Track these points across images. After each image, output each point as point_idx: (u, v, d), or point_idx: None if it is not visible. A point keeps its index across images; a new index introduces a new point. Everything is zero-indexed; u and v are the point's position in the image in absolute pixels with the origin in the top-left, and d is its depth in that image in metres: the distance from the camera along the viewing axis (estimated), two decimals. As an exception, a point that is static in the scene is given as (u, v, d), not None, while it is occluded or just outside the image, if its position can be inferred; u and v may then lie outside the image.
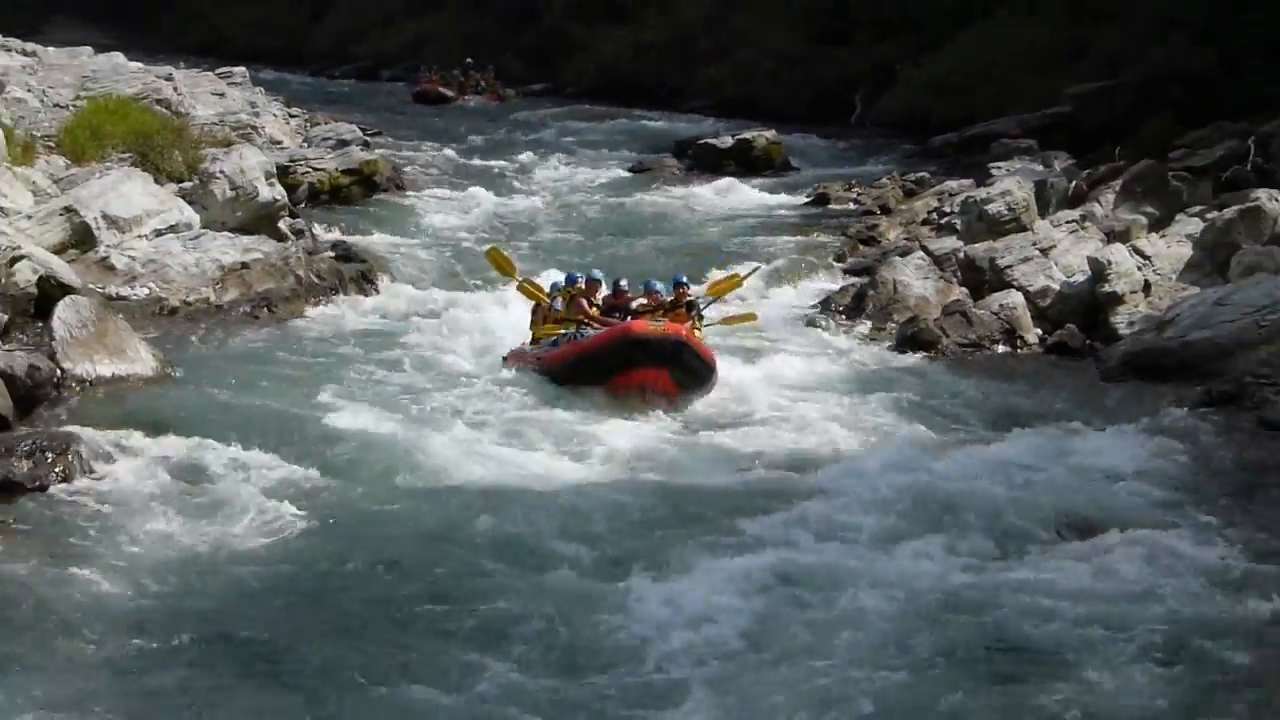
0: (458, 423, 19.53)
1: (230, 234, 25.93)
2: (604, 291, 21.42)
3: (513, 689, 12.18)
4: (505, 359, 21.62)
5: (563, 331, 19.56)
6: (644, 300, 20.79)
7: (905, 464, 18.32)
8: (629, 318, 20.02)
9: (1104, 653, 12.83)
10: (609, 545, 15.45)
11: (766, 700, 12.14)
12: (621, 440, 18.73)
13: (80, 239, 23.71)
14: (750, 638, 13.22)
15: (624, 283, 21.89)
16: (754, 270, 22.09)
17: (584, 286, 21.60)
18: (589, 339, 18.66)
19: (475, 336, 23.56)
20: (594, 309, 20.42)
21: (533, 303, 22.13)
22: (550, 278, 24.88)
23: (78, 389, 19.04)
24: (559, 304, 21.15)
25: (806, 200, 36.46)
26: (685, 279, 21.52)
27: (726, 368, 20.84)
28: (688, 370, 17.96)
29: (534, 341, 21.04)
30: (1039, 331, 24.71)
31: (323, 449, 17.86)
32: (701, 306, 20.09)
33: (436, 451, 18.18)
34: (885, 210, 33.80)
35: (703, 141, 44.05)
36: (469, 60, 59.95)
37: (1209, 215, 26.56)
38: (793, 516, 16.27)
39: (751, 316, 21.63)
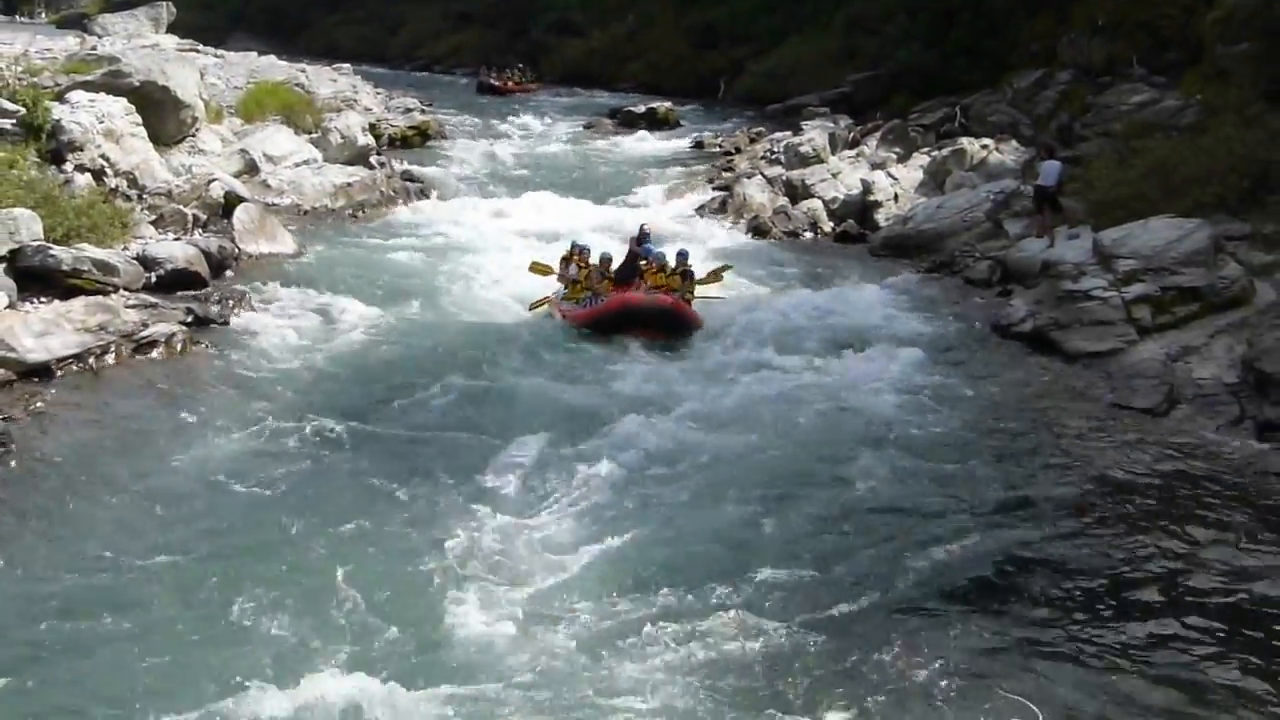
0: (478, 276, 19.44)
1: (340, 165, 25.59)
2: (592, 259, 17.71)
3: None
4: (537, 303, 18.04)
5: (589, 294, 16.98)
6: (643, 276, 17.35)
7: (752, 305, 18.29)
8: (639, 278, 17.25)
9: (857, 424, 12.91)
10: (574, 360, 15.44)
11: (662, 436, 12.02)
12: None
13: (250, 168, 23.37)
14: (663, 400, 13.36)
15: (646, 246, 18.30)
16: (730, 266, 18.99)
17: (576, 254, 17.70)
18: (602, 305, 16.59)
19: (487, 230, 23.04)
20: (607, 280, 17.40)
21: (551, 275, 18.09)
22: (540, 199, 24.78)
23: (248, 260, 18.63)
24: (573, 269, 17.55)
25: (690, 145, 35.94)
26: (688, 253, 17.97)
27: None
28: (670, 326, 16.38)
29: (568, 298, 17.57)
30: (831, 224, 24.52)
31: (394, 294, 17.83)
32: (695, 277, 17.35)
33: (460, 295, 18.30)
34: (738, 150, 33.29)
35: (627, 109, 43.34)
36: (520, 65, 58.31)
37: (932, 153, 26.50)
38: (690, 339, 16.43)
39: (719, 277, 18.28)
